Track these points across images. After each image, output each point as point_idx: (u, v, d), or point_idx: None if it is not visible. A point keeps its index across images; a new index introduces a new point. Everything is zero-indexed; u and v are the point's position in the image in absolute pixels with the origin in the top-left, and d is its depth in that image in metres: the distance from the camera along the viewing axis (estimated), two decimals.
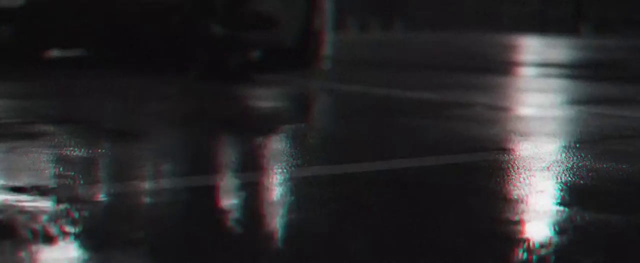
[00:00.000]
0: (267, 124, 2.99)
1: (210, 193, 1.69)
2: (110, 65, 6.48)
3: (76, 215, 1.47)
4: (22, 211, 1.50)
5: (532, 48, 14.36)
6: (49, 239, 1.30)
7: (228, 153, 2.26)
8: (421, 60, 8.79)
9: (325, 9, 6.76)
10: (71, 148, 2.31)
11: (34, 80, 4.96)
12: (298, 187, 1.78)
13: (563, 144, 2.58)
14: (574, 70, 7.63)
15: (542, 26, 32.82)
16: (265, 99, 4.20)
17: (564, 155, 2.35)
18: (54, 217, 1.45)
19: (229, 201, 1.61)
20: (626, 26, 34.32)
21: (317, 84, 5.24)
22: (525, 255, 1.26)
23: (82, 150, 2.29)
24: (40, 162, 2.06)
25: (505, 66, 8.08)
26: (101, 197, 1.63)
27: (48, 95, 4.10)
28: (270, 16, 5.90)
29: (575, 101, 4.36)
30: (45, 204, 1.56)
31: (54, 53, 8.38)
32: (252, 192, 1.71)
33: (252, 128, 2.88)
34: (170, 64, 6.73)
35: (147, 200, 1.61)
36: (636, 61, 10.08)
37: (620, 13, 36.15)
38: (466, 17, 40.92)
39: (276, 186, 1.78)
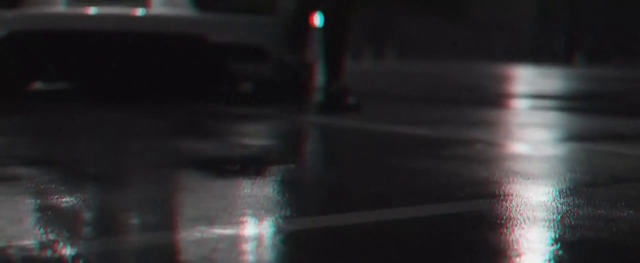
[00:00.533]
0: (252, 165, 2.80)
1: (179, 251, 1.49)
2: (98, 99, 6.30)
3: None
4: None
5: (526, 79, 14.21)
6: None
7: (205, 202, 2.07)
8: (415, 92, 8.61)
9: (316, 39, 6.57)
10: (45, 196, 2.11)
11: (14, 115, 4.76)
12: (284, 244, 1.58)
13: (573, 187, 2.39)
14: (572, 102, 7.47)
15: (535, 56, 32.73)
16: (252, 135, 4.01)
17: (575, 201, 2.16)
18: None
19: None
20: (619, 55, 34.25)
21: (309, 118, 5.05)
22: None
23: (57, 197, 2.09)
24: (7, 213, 1.86)
25: (501, 98, 7.91)
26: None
27: (28, 132, 3.91)
28: (259, 48, 5.72)
29: (580, 137, 4.18)
30: None
31: (40, 86, 8.19)
32: (229, 251, 1.51)
33: (234, 170, 2.69)
34: (166, 96, 6.55)
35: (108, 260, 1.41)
36: (634, 92, 9.91)
37: (613, 42, 36.11)
38: (459, 46, 40.84)
39: (257, 243, 1.59)
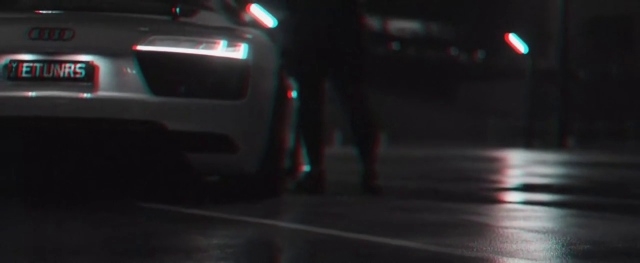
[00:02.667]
0: None
1: None
2: (32, 196, 5.47)
3: None
4: None
5: (520, 164, 13.47)
6: None
7: None
8: (407, 183, 7.82)
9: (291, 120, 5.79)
10: None
11: None
12: None
13: None
14: (569, 196, 6.65)
15: (527, 140, 32.10)
16: (204, 252, 3.20)
17: None
18: None
19: None
20: (612, 139, 33.64)
21: (279, 224, 4.24)
22: None
23: None
24: None
25: (497, 192, 7.12)
26: None
27: None
28: (225, 136, 4.93)
29: (584, 254, 3.38)
30: None
31: None
32: None
33: None
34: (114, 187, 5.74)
35: None
36: (630, 182, 9.13)
37: (605, 125, 35.53)
38: (450, 130, 40.30)
39: None
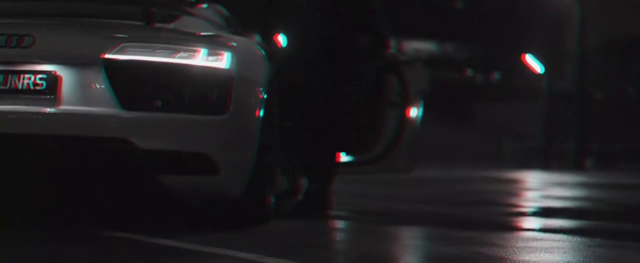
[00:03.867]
0: None
1: None
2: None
3: None
4: None
5: (539, 186, 12.80)
6: None
7: None
8: (422, 208, 7.19)
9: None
10: None
11: None
12: None
13: None
14: (590, 222, 6.01)
15: (544, 161, 31.33)
16: None
17: None
18: None
19: None
20: (630, 160, 32.81)
21: (266, 259, 3.62)
22: None
23: None
24: None
25: (516, 217, 6.48)
26: None
27: None
28: (204, 156, 4.33)
29: None
30: None
31: None
32: None
33: None
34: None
35: None
36: None
37: (623, 146, 34.73)
38: (467, 151, 39.59)
39: None
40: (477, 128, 42.49)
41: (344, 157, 6.23)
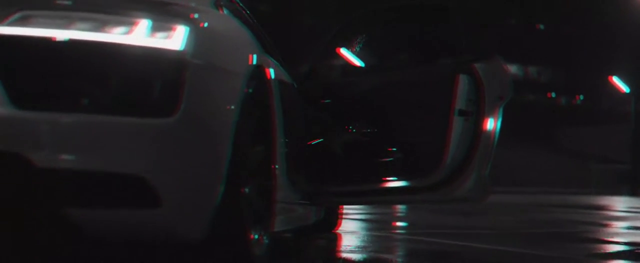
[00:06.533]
0: None
1: None
2: None
3: None
4: None
5: (628, 214, 11.02)
6: None
7: None
8: (487, 246, 5.57)
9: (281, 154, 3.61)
10: None
11: None
12: None
13: None
14: None
15: (633, 186, 29.13)
16: None
17: None
18: None
19: None
20: None
21: None
22: None
23: None
24: None
25: (604, 260, 4.84)
26: None
27: None
28: (138, 179, 2.76)
29: None
30: None
31: None
32: None
33: None
34: None
35: None
36: None
37: None
38: (551, 175, 37.51)
39: None
40: (561, 151, 40.27)
41: (395, 182, 4.67)
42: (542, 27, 44.15)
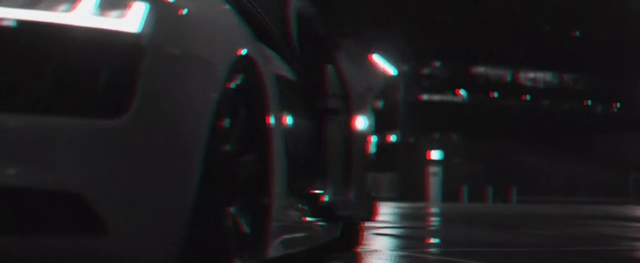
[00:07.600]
0: None
1: None
2: None
3: None
4: None
5: None
6: None
7: None
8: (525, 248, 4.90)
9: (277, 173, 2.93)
10: None
11: None
12: None
13: None
14: None
15: None
16: None
17: None
18: None
19: None
20: None
21: None
22: None
23: None
24: None
25: None
26: None
27: None
28: (76, 197, 2.10)
29: None
30: None
31: None
32: None
33: None
34: None
35: None
36: None
37: None
38: (588, 184, 36.56)
39: None
40: (598, 160, 39.30)
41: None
42: (578, 33, 43.21)
